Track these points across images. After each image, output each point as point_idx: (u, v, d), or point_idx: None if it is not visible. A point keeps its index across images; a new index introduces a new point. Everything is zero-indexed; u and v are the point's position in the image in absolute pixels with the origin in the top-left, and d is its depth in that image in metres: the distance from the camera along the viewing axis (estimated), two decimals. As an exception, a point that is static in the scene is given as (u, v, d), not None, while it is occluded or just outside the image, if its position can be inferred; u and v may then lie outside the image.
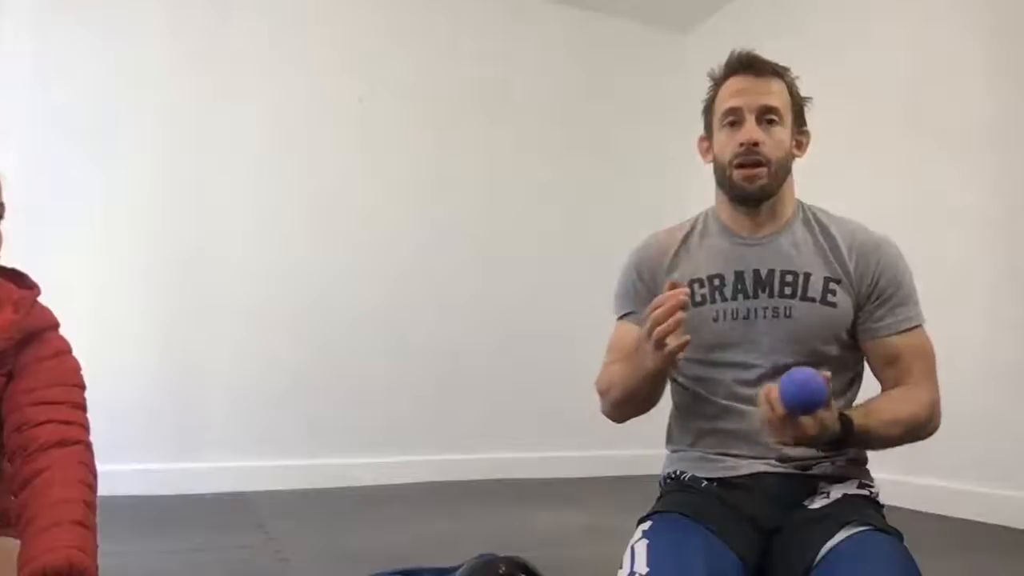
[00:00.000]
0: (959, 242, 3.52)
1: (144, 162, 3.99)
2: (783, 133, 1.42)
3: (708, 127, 1.49)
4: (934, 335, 1.44)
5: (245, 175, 4.19)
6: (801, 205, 1.50)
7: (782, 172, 1.43)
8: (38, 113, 3.81)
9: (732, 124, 1.42)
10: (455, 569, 1.92)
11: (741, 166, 1.41)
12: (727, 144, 1.42)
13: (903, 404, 1.36)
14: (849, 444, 1.30)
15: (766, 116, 1.40)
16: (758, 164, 1.40)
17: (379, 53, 4.54)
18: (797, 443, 1.23)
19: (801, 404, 1.17)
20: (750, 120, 1.40)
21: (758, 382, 1.39)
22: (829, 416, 1.20)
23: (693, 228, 1.53)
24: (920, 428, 1.37)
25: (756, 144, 1.39)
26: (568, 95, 4.96)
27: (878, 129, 3.94)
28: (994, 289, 3.42)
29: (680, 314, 1.21)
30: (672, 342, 1.22)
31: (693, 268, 1.48)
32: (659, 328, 1.22)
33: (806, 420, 1.18)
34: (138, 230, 3.95)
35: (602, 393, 1.48)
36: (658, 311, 1.22)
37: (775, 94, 1.41)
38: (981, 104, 3.53)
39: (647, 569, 1.20)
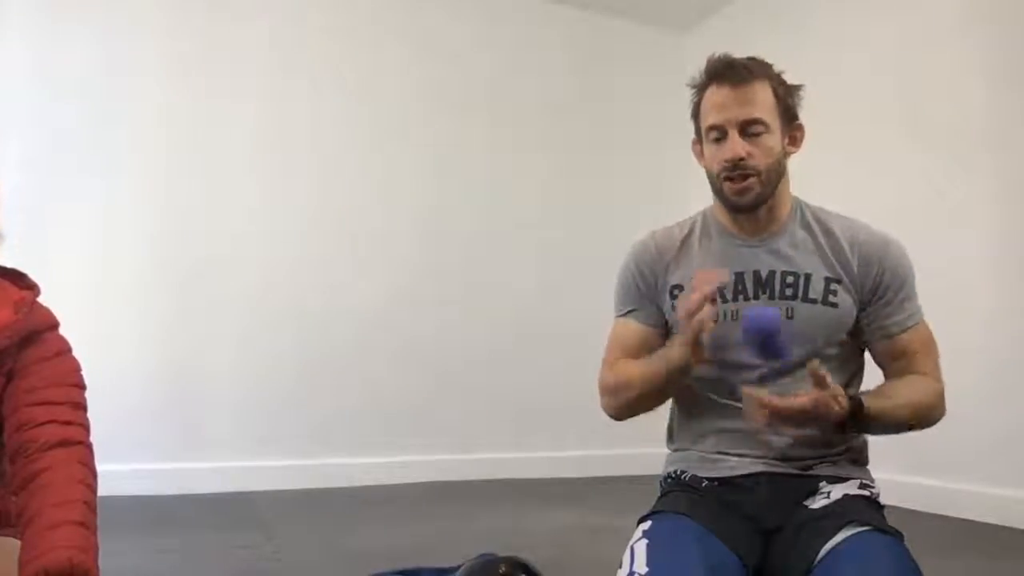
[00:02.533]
0: (959, 242, 3.51)
1: (143, 162, 3.99)
2: (771, 139, 1.40)
3: (698, 132, 1.49)
4: (935, 336, 1.44)
5: (245, 175, 4.19)
6: (799, 204, 1.50)
7: (774, 176, 1.42)
8: (37, 114, 3.81)
9: (717, 140, 1.41)
10: (455, 569, 1.92)
11: (729, 179, 1.40)
12: (714, 158, 1.42)
13: (912, 389, 1.37)
14: (859, 426, 1.31)
15: (750, 129, 1.38)
16: (746, 176, 1.39)
17: (379, 52, 4.54)
18: (799, 425, 1.26)
19: (756, 329, 1.27)
20: (733, 135, 1.38)
21: (759, 382, 1.40)
22: (821, 394, 1.24)
23: (692, 229, 1.53)
24: (927, 413, 1.38)
25: (741, 159, 1.38)
26: (568, 95, 4.96)
27: (877, 129, 3.94)
28: (994, 289, 3.42)
29: (709, 307, 1.29)
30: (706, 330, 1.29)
31: (693, 270, 1.47)
32: (695, 317, 1.28)
33: (799, 399, 1.23)
34: (138, 230, 3.95)
35: (611, 391, 1.48)
36: (691, 303, 1.28)
37: (757, 103, 1.38)
38: (980, 104, 3.53)
39: (647, 569, 1.20)
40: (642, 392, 1.43)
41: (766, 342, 1.27)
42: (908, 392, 1.37)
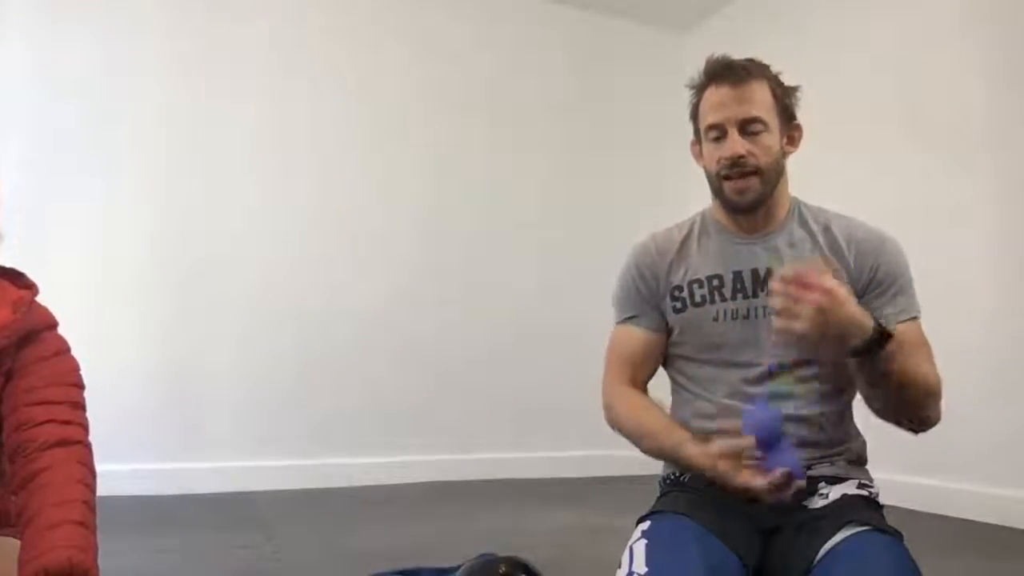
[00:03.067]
0: (958, 242, 3.51)
1: (143, 162, 3.99)
2: (770, 138, 1.40)
3: (697, 133, 1.49)
4: (934, 335, 1.43)
5: (245, 175, 4.19)
6: (797, 203, 1.50)
7: (774, 175, 1.42)
8: (37, 114, 3.81)
9: (716, 139, 1.41)
10: (455, 569, 1.92)
11: (728, 178, 1.40)
12: (713, 157, 1.42)
13: (921, 363, 1.31)
14: (878, 358, 1.22)
15: (749, 127, 1.39)
16: (746, 174, 1.39)
17: (379, 52, 4.54)
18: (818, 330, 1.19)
19: (761, 428, 1.28)
20: (732, 133, 1.39)
21: (759, 381, 1.40)
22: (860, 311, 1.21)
23: (691, 229, 1.53)
24: (931, 393, 1.31)
25: (741, 157, 1.38)
26: (568, 95, 4.96)
27: (877, 129, 3.94)
28: (994, 289, 3.42)
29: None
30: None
31: (692, 269, 1.48)
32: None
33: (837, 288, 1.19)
34: (138, 230, 3.95)
35: (614, 423, 1.51)
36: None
37: (756, 102, 1.39)
38: (980, 104, 3.53)
39: (646, 569, 1.20)
40: (638, 445, 1.48)
41: (766, 444, 1.27)
42: (919, 362, 1.31)
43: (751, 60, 1.44)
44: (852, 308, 1.20)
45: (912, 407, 1.32)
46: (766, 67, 1.44)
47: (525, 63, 4.89)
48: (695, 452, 1.34)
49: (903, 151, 3.81)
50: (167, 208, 4.02)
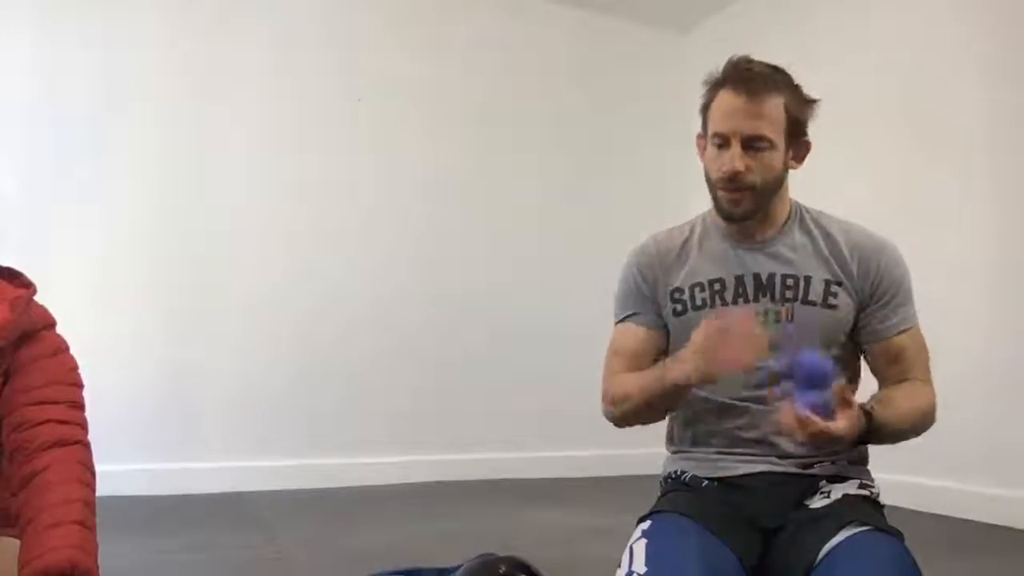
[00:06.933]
0: (959, 243, 3.51)
1: (143, 163, 3.99)
2: (773, 157, 1.38)
3: (704, 127, 1.46)
4: (932, 335, 1.44)
5: (243, 176, 4.18)
6: (799, 207, 1.49)
7: (769, 192, 1.41)
8: (37, 115, 3.80)
9: (720, 146, 1.39)
10: (455, 569, 1.92)
11: (724, 190, 1.40)
12: (713, 163, 1.41)
13: (911, 399, 1.37)
14: (868, 439, 1.32)
15: (753, 144, 1.36)
16: (741, 189, 1.38)
17: (378, 54, 4.53)
18: (828, 443, 1.25)
19: (809, 375, 1.24)
20: (735, 146, 1.36)
21: (759, 385, 1.40)
22: (852, 414, 1.23)
23: (692, 231, 1.53)
24: (924, 422, 1.39)
25: (739, 173, 1.36)
26: (568, 95, 4.96)
27: (878, 130, 3.93)
28: (993, 290, 3.42)
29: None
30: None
31: (693, 272, 1.47)
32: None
33: (834, 423, 1.21)
34: (138, 231, 3.94)
35: (612, 402, 1.47)
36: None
37: (766, 119, 1.36)
38: (980, 106, 3.53)
39: (645, 569, 1.20)
40: (639, 405, 1.42)
41: (807, 383, 1.25)
42: (908, 401, 1.37)
43: (775, 69, 1.40)
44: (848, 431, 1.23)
45: (906, 438, 1.39)
46: (786, 79, 1.40)
47: (525, 63, 4.88)
48: (677, 359, 1.34)
49: (904, 151, 3.80)
50: (167, 209, 4.01)
